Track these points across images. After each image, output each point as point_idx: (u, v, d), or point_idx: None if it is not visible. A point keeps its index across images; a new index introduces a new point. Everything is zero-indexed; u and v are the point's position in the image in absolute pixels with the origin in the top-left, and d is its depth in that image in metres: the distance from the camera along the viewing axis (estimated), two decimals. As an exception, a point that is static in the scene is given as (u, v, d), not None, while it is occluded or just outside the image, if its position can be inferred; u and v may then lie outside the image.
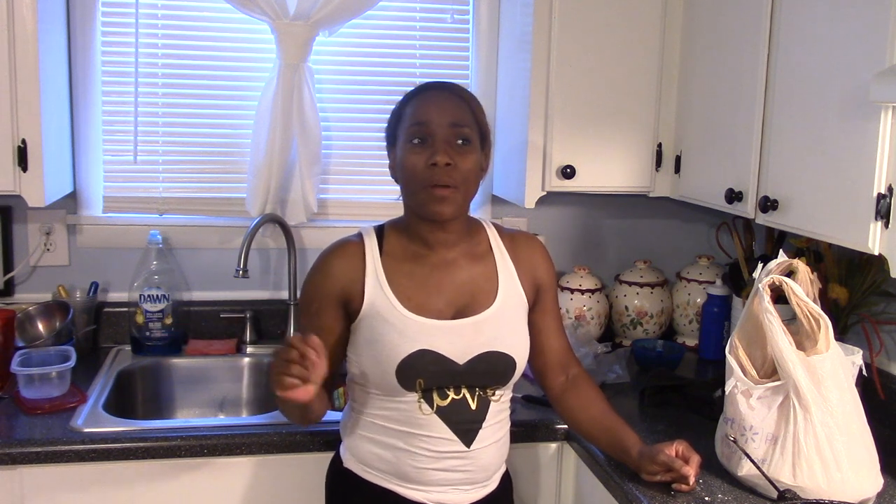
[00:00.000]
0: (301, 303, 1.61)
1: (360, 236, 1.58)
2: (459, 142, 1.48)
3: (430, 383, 1.50)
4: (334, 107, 2.39)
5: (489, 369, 1.53)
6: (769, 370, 1.53)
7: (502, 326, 1.55)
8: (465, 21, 2.43)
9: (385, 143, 1.60)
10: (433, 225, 1.53)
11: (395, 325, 1.49)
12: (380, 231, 1.59)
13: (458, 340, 1.50)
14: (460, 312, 1.53)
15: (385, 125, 1.59)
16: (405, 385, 1.49)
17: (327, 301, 1.53)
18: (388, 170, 1.60)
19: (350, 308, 1.53)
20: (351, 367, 1.58)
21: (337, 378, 1.60)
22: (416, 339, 1.48)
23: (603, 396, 1.68)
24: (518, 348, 1.57)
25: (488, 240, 1.62)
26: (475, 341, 1.51)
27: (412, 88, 1.57)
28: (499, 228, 1.66)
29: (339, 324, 1.54)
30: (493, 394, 1.55)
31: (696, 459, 1.52)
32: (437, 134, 1.47)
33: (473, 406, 1.53)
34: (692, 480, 1.50)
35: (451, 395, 1.51)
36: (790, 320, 1.51)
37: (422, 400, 1.50)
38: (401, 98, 1.57)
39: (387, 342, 1.48)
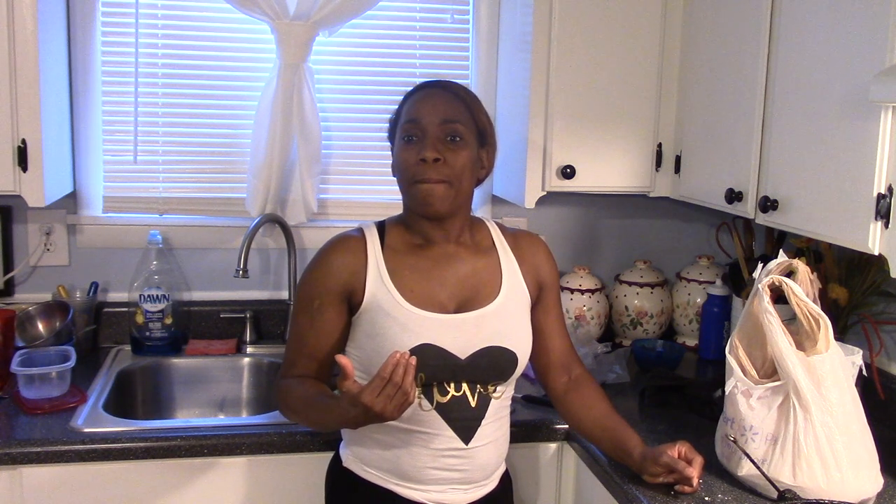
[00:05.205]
0: (300, 300, 1.58)
1: (360, 231, 1.58)
2: (450, 138, 1.49)
3: (431, 378, 1.49)
4: (334, 107, 2.39)
5: (491, 364, 1.53)
6: (769, 370, 1.53)
7: (505, 322, 1.55)
8: (465, 21, 2.43)
9: (388, 142, 1.61)
10: (432, 222, 1.54)
11: (397, 318, 1.49)
12: (380, 226, 1.59)
13: (460, 335, 1.50)
14: (463, 306, 1.53)
15: (386, 125, 1.61)
16: None
17: (330, 297, 1.52)
18: (388, 169, 1.60)
19: (351, 302, 1.53)
20: (351, 361, 1.58)
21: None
22: (418, 333, 1.48)
23: (606, 397, 1.68)
24: (520, 344, 1.57)
25: (491, 237, 1.63)
26: (477, 336, 1.51)
27: (412, 87, 1.59)
28: (502, 227, 1.66)
29: (341, 319, 1.54)
30: (494, 390, 1.55)
31: (699, 461, 1.51)
32: (428, 131, 1.49)
33: (473, 403, 1.53)
34: (696, 482, 1.49)
35: (452, 391, 1.51)
36: (790, 320, 1.51)
37: (422, 396, 1.50)
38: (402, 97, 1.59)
39: (388, 336, 1.48)
